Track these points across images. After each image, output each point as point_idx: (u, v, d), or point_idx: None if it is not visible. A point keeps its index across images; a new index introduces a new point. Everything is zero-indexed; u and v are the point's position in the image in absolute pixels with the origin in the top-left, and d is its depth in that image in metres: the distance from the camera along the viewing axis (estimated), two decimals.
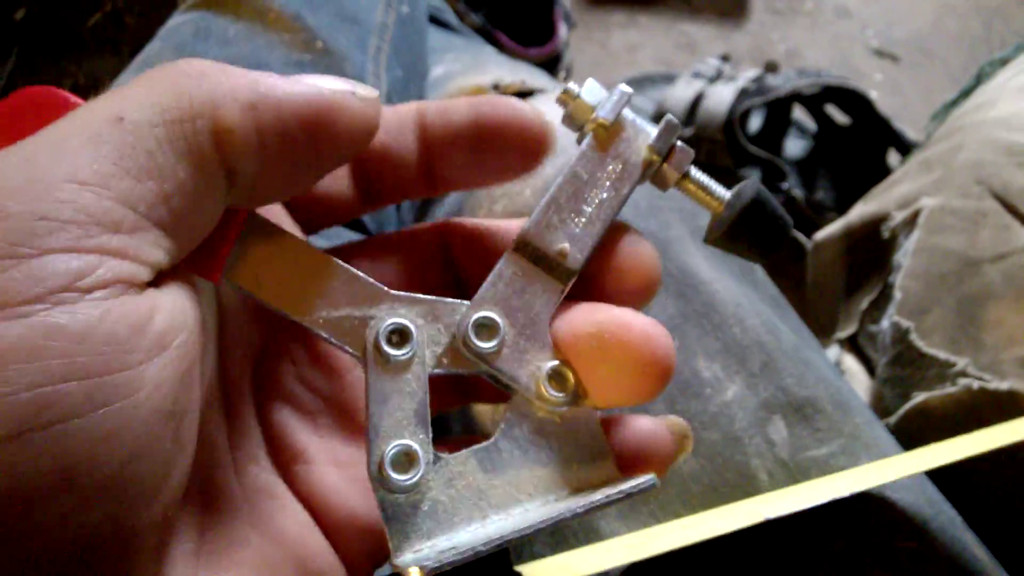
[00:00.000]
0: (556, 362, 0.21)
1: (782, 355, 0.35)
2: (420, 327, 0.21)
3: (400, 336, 0.21)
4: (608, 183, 0.22)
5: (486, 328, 0.21)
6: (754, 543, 0.31)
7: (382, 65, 0.57)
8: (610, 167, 0.22)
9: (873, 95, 1.00)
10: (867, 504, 0.32)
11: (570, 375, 0.21)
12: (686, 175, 0.23)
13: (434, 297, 0.21)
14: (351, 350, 0.21)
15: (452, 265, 0.24)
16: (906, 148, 0.99)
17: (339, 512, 0.22)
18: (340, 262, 0.21)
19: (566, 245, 0.22)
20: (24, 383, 0.14)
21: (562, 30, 1.16)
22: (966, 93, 0.65)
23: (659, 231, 0.38)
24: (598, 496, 0.20)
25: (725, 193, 0.23)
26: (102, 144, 0.16)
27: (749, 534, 0.30)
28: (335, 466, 0.22)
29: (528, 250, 0.22)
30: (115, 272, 0.15)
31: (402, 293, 0.21)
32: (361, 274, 0.21)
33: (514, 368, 0.21)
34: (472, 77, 0.55)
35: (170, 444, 0.16)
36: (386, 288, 0.21)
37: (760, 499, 0.30)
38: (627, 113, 0.22)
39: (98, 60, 1.32)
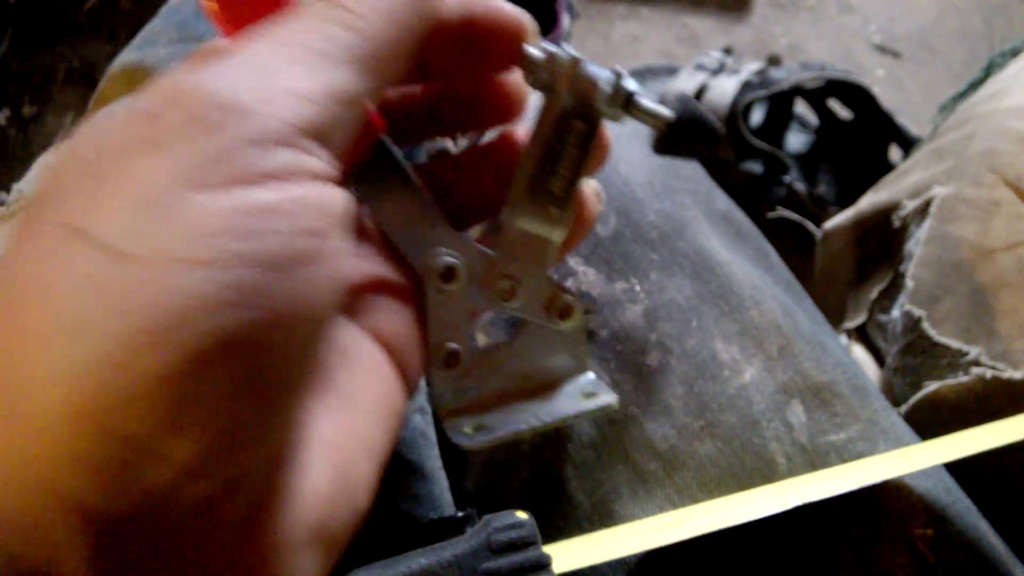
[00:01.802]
0: (563, 297, 0.28)
1: (799, 339, 0.35)
2: (468, 265, 0.27)
3: (450, 271, 0.27)
4: (573, 139, 0.26)
5: (508, 289, 0.27)
6: (770, 528, 0.30)
7: None
8: (576, 127, 0.26)
9: (875, 91, 0.99)
10: (883, 490, 0.32)
11: (573, 307, 0.28)
12: (615, 107, 0.26)
13: (482, 247, 0.27)
14: (412, 261, 0.26)
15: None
16: (908, 143, 0.99)
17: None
18: (430, 200, 0.27)
19: (553, 208, 0.27)
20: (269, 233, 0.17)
21: (564, 20, 1.15)
22: (975, 85, 0.65)
23: (675, 212, 0.37)
24: (584, 406, 0.29)
25: (662, 107, 0.27)
26: (321, 73, 0.19)
27: (765, 519, 0.29)
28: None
29: (523, 212, 0.27)
30: (315, 169, 0.19)
31: (464, 236, 0.27)
32: (441, 214, 0.27)
33: (531, 310, 0.28)
34: None
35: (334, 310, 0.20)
36: (454, 231, 0.27)
37: (785, 485, 0.30)
38: (583, 69, 0.26)
39: (93, 44, 1.30)
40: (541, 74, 0.26)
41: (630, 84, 0.26)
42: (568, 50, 0.26)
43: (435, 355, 0.27)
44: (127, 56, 0.48)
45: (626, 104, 0.26)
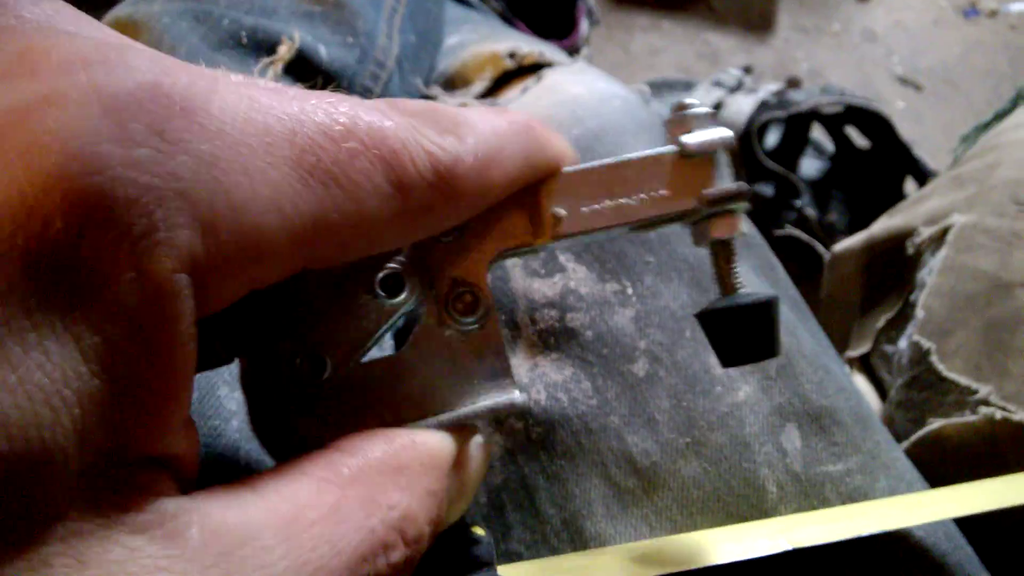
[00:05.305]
0: (465, 287, 0.21)
1: (801, 359, 0.32)
2: None
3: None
4: (642, 197, 0.22)
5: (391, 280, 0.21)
6: (755, 568, 0.27)
7: (395, 27, 0.54)
8: (660, 190, 0.22)
9: (894, 121, 0.97)
10: (880, 533, 0.29)
11: (481, 298, 0.21)
12: (722, 242, 0.22)
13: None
14: None
15: None
16: (924, 177, 0.97)
17: None
18: None
19: (562, 210, 0.22)
20: None
21: (583, 26, 1.13)
22: (1000, 116, 0.62)
23: None
24: (463, 410, 0.21)
25: (743, 284, 0.23)
26: None
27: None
28: None
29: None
30: None
31: None
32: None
33: (418, 300, 0.21)
34: (488, 44, 0.52)
35: None
36: None
37: (778, 523, 0.27)
38: (718, 156, 0.22)
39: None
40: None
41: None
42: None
43: (282, 360, 0.20)
44: (120, 9, 0.46)
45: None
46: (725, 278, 0.22)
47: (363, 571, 0.15)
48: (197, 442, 0.16)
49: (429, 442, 0.19)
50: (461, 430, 0.20)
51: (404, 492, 0.17)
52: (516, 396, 0.21)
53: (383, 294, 0.21)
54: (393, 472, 0.17)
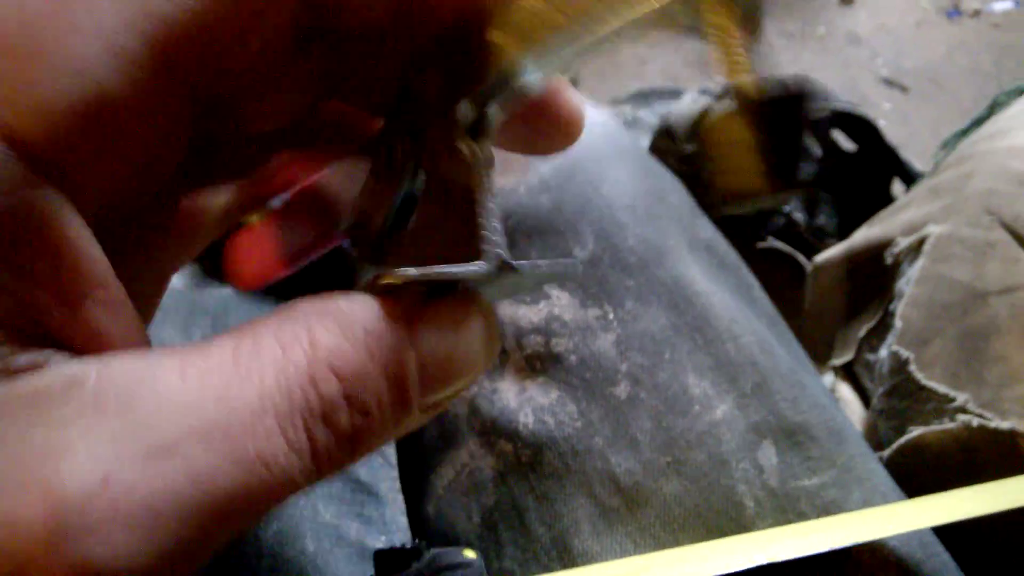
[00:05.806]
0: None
1: (776, 376, 0.33)
2: None
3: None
4: None
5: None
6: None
7: None
8: None
9: (880, 124, 0.98)
10: (854, 545, 0.30)
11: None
12: None
13: None
14: None
15: None
16: (912, 179, 0.98)
17: None
18: None
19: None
20: None
21: None
22: (978, 122, 0.64)
23: (656, 238, 0.36)
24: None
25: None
26: None
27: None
28: None
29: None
30: None
31: None
32: None
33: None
34: None
35: None
36: None
37: (753, 538, 0.28)
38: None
39: None
40: None
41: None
42: None
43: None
44: None
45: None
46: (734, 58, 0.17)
47: (294, 405, 0.14)
48: (129, 325, 0.15)
49: (357, 299, 0.16)
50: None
51: (333, 334, 0.15)
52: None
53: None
54: (318, 314, 0.15)
